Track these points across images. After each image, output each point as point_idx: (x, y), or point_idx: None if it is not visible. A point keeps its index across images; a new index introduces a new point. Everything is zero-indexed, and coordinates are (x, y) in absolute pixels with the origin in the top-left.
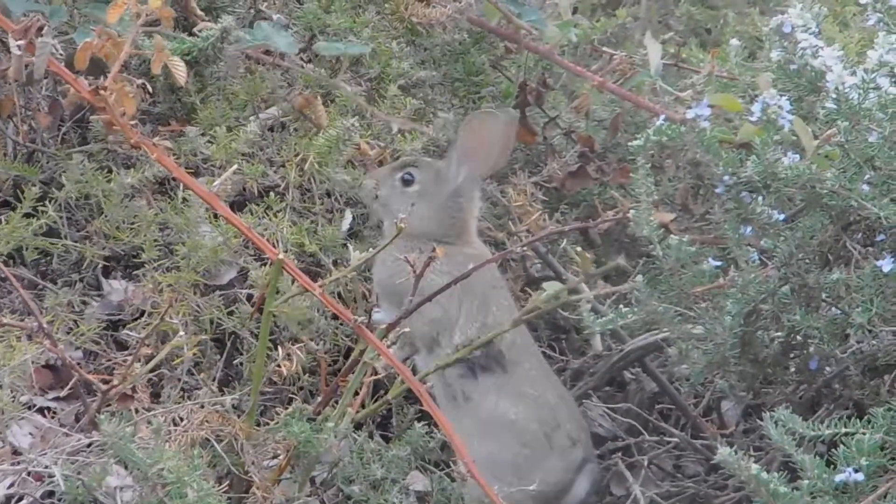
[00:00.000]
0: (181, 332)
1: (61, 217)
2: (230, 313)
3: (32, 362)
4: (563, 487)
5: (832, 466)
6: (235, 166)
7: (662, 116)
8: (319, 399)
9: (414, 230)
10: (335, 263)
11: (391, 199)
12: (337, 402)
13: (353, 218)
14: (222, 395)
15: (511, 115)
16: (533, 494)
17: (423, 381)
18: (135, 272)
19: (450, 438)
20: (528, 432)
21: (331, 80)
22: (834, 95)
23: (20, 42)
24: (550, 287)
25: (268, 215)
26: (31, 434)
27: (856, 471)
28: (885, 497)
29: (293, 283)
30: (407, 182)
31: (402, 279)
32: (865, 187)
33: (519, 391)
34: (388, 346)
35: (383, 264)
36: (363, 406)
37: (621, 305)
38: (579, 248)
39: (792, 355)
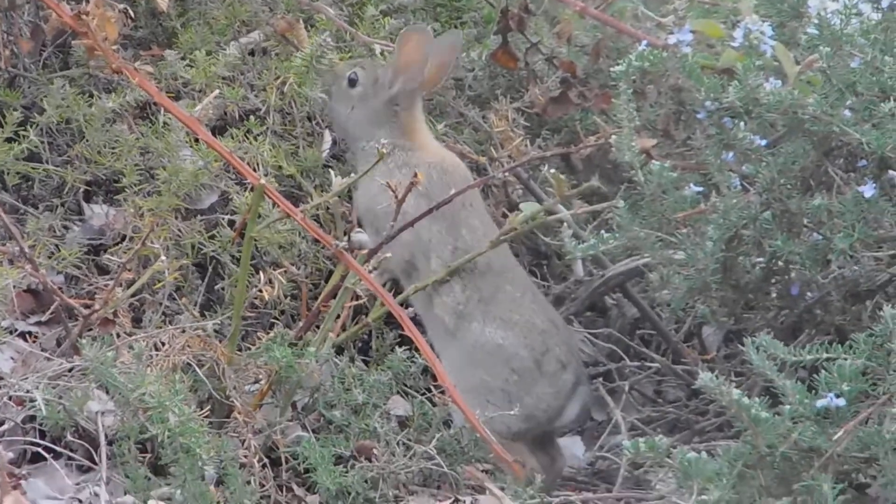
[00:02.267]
0: (162, 257)
1: (42, 142)
2: (211, 238)
3: (14, 287)
4: (555, 412)
5: (814, 392)
6: (217, 91)
7: (644, 42)
8: (301, 324)
9: (354, 133)
10: (317, 187)
11: (336, 99)
12: (318, 327)
13: (334, 141)
14: (204, 320)
15: (454, 37)
16: (524, 418)
17: (403, 305)
18: (116, 197)
19: (430, 363)
20: (516, 358)
21: (312, 3)
22: (816, 21)
23: None
24: (527, 208)
25: (248, 139)
26: (12, 359)
27: (837, 396)
28: (866, 422)
29: (274, 206)
30: (352, 82)
31: (384, 205)
32: (847, 113)
33: (505, 317)
34: (370, 272)
35: (366, 190)
36: (344, 329)
37: (602, 231)
38: (553, 171)
39: (773, 281)
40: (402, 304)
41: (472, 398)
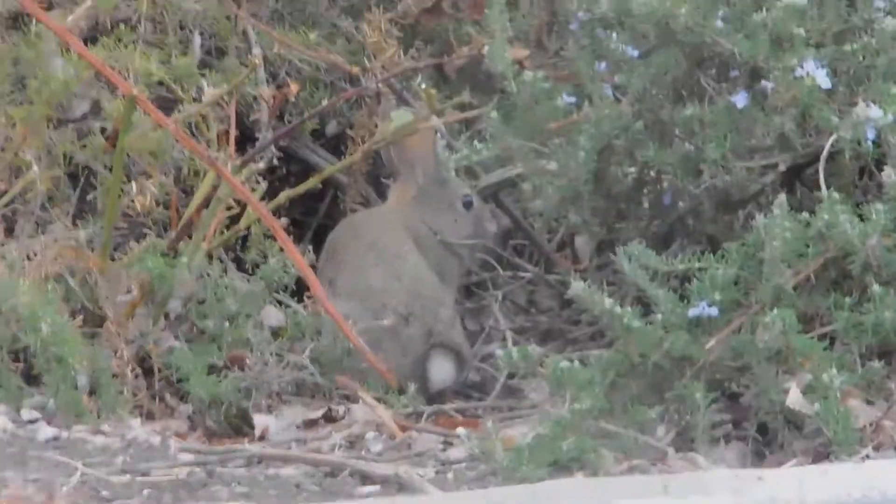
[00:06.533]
0: (34, 167)
1: None
2: (83, 146)
3: None
4: (408, 370)
5: (686, 301)
6: (90, 1)
7: None
8: (173, 234)
9: None
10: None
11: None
12: (191, 237)
13: (203, 45)
14: (76, 230)
15: None
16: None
17: (276, 214)
18: None
19: (303, 273)
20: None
21: None
22: None
23: None
24: (399, 117)
25: (118, 47)
26: None
27: (709, 305)
28: (738, 331)
29: (146, 115)
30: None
31: None
32: (720, 23)
33: (347, 291)
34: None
35: None
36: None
37: (475, 141)
38: (424, 86)
39: (645, 191)
40: (275, 213)
41: None
